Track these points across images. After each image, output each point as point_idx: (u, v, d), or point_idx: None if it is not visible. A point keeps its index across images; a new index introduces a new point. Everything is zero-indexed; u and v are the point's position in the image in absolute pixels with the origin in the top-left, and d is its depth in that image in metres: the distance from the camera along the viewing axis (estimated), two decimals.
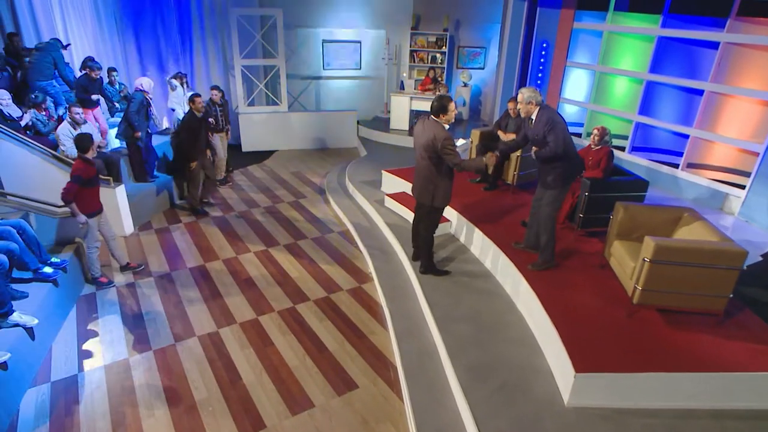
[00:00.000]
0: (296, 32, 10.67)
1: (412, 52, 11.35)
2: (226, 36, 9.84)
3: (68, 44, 7.34)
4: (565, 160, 4.27)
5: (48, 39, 7.23)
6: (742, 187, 6.38)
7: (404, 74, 11.21)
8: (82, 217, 4.73)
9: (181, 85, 8.25)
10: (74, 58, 8.10)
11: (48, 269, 4.46)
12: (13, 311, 3.78)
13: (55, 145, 5.98)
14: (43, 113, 6.36)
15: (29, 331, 3.88)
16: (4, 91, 5.97)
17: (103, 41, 9.00)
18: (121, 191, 6.05)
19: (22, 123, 6.06)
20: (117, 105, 8.13)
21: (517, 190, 6.45)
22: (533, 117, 4.32)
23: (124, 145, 6.81)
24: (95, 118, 6.95)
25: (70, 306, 4.76)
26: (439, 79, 10.66)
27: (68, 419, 3.48)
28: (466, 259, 5.36)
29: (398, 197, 6.63)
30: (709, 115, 6.83)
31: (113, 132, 7.19)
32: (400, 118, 10.34)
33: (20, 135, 5.56)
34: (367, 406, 3.67)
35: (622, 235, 4.31)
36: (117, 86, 8.26)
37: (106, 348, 4.23)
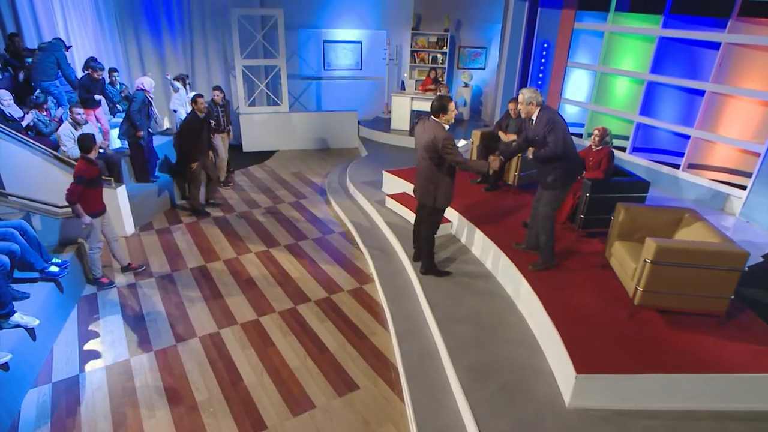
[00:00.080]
0: (297, 32, 10.68)
1: (412, 52, 11.36)
2: (227, 36, 9.84)
3: (70, 46, 7.35)
4: (564, 161, 4.27)
5: (50, 39, 7.23)
6: (743, 187, 6.37)
7: (405, 74, 11.22)
8: (87, 218, 4.75)
9: (184, 86, 8.25)
10: (75, 58, 8.11)
11: (54, 268, 4.47)
12: (15, 312, 3.78)
13: (56, 146, 5.99)
14: (44, 114, 6.37)
15: (30, 331, 3.89)
16: (6, 91, 5.98)
17: (104, 41, 9.01)
18: (122, 192, 6.06)
19: (24, 123, 6.07)
20: (118, 106, 8.15)
21: (518, 190, 6.45)
22: (534, 118, 4.33)
23: (126, 145, 6.82)
24: (97, 119, 6.97)
25: (71, 307, 4.77)
26: (440, 79, 10.66)
27: (69, 420, 3.49)
28: (467, 260, 5.36)
29: (399, 198, 6.63)
30: (710, 115, 6.82)
31: (115, 132, 7.20)
32: (400, 119, 10.33)
33: (21, 135, 5.57)
34: (368, 406, 3.67)
35: (623, 236, 4.31)
36: (118, 86, 8.27)
37: (107, 349, 4.24)
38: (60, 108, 6.99)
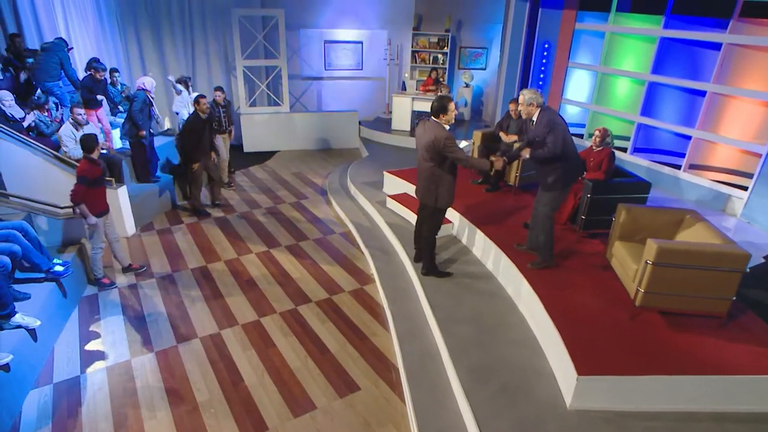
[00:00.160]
0: (298, 33, 10.68)
1: (413, 52, 11.35)
2: (228, 36, 9.85)
3: (71, 47, 7.35)
4: (564, 162, 4.28)
5: (52, 39, 7.23)
6: (745, 188, 6.36)
7: (406, 75, 11.21)
8: (93, 219, 4.76)
9: (186, 89, 8.25)
10: (76, 58, 8.11)
11: (59, 267, 4.48)
12: (16, 313, 3.78)
13: (57, 146, 5.99)
14: (46, 114, 6.37)
15: (32, 332, 3.89)
16: (7, 92, 5.98)
17: (105, 42, 9.02)
18: (123, 192, 6.06)
19: (25, 124, 6.08)
20: (120, 106, 8.15)
21: (519, 191, 6.45)
22: (534, 119, 4.33)
23: (127, 145, 6.82)
24: (99, 119, 6.97)
25: (73, 307, 4.77)
26: (441, 79, 10.66)
27: (70, 421, 3.49)
28: (468, 261, 5.36)
29: (400, 198, 6.63)
30: (711, 116, 6.81)
31: (116, 132, 7.20)
32: (401, 119, 10.33)
33: (23, 136, 5.57)
34: (369, 407, 3.67)
35: (624, 237, 4.31)
36: (119, 87, 8.28)
37: (109, 349, 4.24)
38: (61, 108, 7.00)
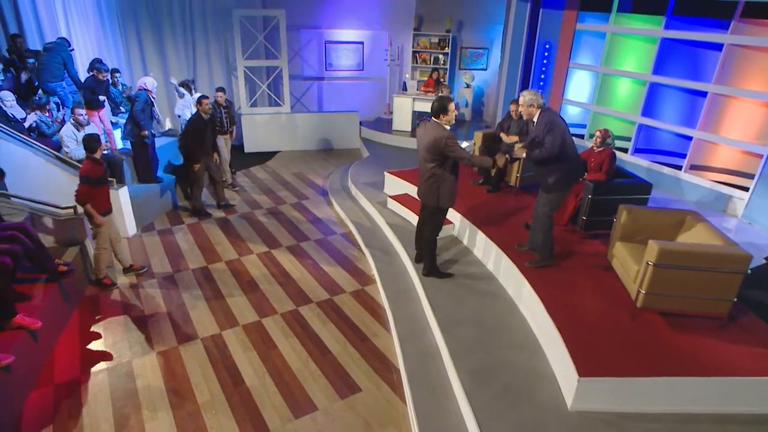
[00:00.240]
0: (299, 33, 10.68)
1: (414, 53, 11.36)
2: (229, 37, 9.85)
3: (72, 48, 7.36)
4: (564, 163, 4.28)
5: (55, 39, 7.24)
6: (746, 189, 6.36)
7: (407, 75, 11.22)
8: (100, 218, 4.77)
9: (189, 92, 8.25)
10: (78, 59, 8.12)
11: (63, 267, 4.49)
12: (16, 313, 3.78)
13: (58, 147, 6.00)
14: (47, 115, 6.38)
15: (32, 333, 3.89)
16: (8, 92, 6.00)
17: (106, 42, 9.02)
18: (124, 192, 6.06)
19: (26, 124, 6.09)
20: (121, 108, 8.15)
21: (520, 192, 6.45)
22: (535, 119, 4.33)
23: (129, 146, 6.83)
24: (101, 120, 6.98)
25: (73, 308, 4.77)
26: (442, 80, 10.66)
27: (71, 422, 3.49)
28: (469, 262, 5.35)
29: (401, 199, 6.63)
30: (712, 116, 6.81)
31: (118, 133, 7.21)
32: (402, 120, 10.34)
33: (24, 136, 5.58)
34: (370, 409, 3.67)
35: (626, 238, 4.31)
36: (120, 87, 8.28)
37: (109, 350, 4.24)
38: (62, 109, 7.00)
